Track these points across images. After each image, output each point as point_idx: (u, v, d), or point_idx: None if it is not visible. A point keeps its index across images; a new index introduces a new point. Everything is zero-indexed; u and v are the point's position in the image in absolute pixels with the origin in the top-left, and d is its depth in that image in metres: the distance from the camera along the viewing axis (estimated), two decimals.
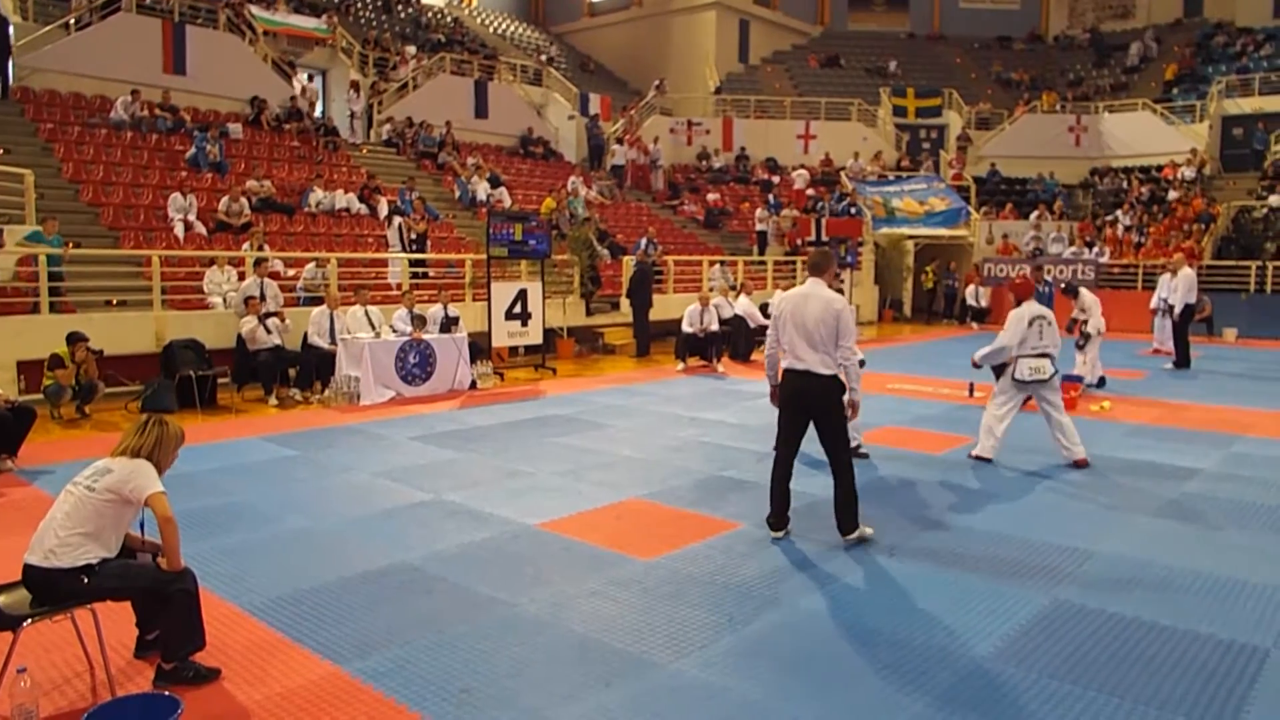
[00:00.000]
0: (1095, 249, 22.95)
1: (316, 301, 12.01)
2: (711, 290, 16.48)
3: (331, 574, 5.02)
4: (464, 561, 5.28)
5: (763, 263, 21.32)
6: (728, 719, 3.54)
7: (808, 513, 6.31)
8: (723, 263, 19.46)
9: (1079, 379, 11.27)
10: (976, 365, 8.09)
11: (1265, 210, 22.44)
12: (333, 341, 11.09)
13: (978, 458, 7.88)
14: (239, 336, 10.79)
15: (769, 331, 5.89)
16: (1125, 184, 26.27)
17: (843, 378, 5.59)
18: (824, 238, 21.59)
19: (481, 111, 23.16)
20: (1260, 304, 19.69)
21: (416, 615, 4.49)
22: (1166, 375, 13.49)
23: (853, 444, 7.56)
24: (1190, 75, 29.22)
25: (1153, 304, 15.52)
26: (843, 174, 26.27)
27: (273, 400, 10.55)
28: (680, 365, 13.80)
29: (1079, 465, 7.60)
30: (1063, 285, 13.04)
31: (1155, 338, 16.00)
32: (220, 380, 10.68)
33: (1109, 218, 24.58)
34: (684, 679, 3.86)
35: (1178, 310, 14.22)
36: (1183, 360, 14.14)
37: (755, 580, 5.02)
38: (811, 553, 5.50)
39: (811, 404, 5.58)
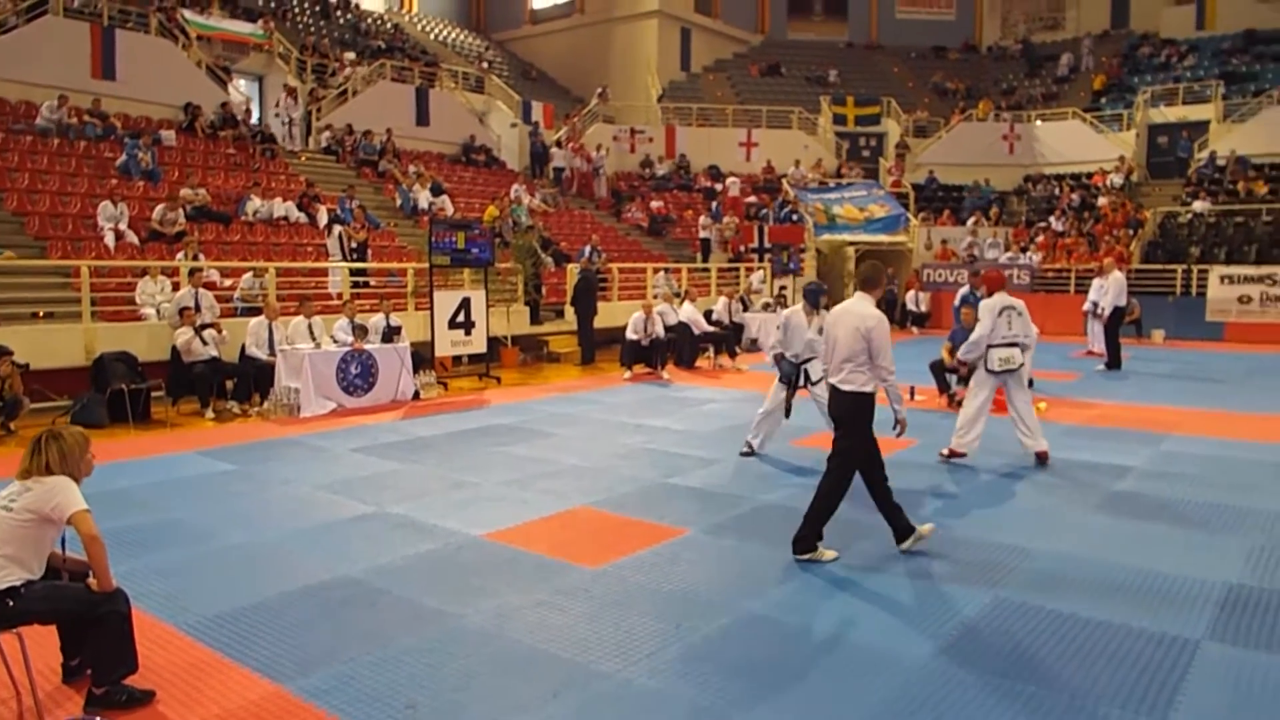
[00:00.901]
0: (1029, 254, 23.51)
1: (254, 312, 11.76)
2: (656, 297, 16.52)
3: (271, 590, 4.91)
4: (408, 574, 5.20)
5: (707, 270, 21.45)
6: None
7: (754, 517, 6.35)
8: (667, 270, 19.53)
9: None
10: (962, 363, 8.26)
11: (1190, 216, 23.21)
12: (272, 353, 10.87)
13: (952, 453, 8.01)
14: (174, 348, 10.52)
15: (823, 345, 5.87)
16: (1057, 190, 26.98)
17: (879, 394, 5.49)
18: (767, 244, 21.81)
19: (423, 119, 22.93)
20: (1186, 306, 20.36)
21: (360, 630, 4.42)
22: (1099, 376, 13.85)
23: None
24: (1118, 85, 30.13)
25: (1085, 307, 15.95)
26: (784, 181, 26.55)
27: (209, 413, 10.30)
28: (626, 373, 13.80)
29: (1040, 458, 7.75)
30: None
31: (1087, 340, 16.42)
32: (154, 394, 10.39)
33: (1042, 223, 25.21)
34: (632, 687, 3.85)
35: (1107, 313, 14.64)
36: (1114, 361, 14.54)
37: (702, 586, 5.03)
38: (758, 558, 5.53)
39: (838, 416, 5.59)
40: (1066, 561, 5.41)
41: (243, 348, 10.98)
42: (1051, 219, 25.20)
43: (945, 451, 8.12)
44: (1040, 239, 24.27)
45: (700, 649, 4.22)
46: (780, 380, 8.18)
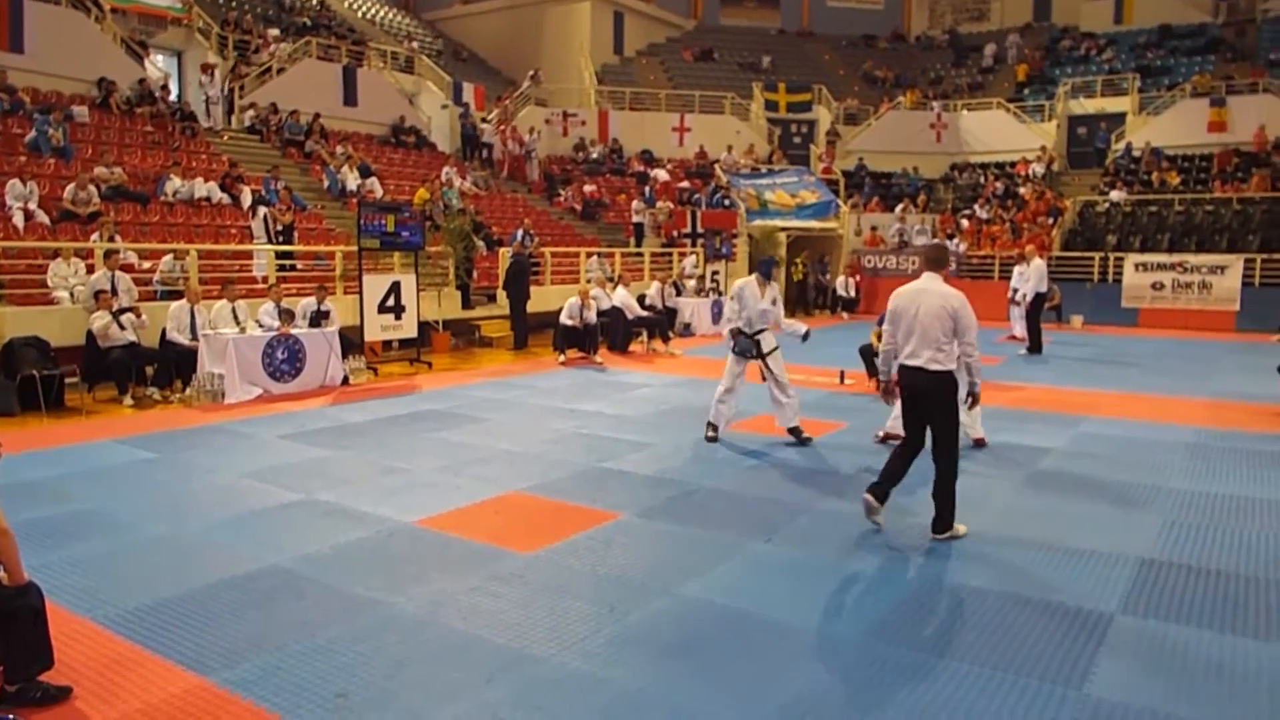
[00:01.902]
0: (955, 240, 24.03)
1: (175, 295, 11.40)
2: (589, 282, 16.48)
3: (195, 581, 4.79)
4: (338, 562, 5.12)
5: (640, 254, 21.45)
6: (610, 708, 3.56)
7: (688, 500, 6.39)
8: (600, 254, 19.49)
9: None
10: None
11: (1107, 205, 23.99)
12: (194, 337, 10.56)
13: (888, 436, 8.08)
14: (89, 333, 10.14)
15: (885, 326, 5.72)
16: (982, 179, 27.63)
17: (959, 373, 5.48)
18: (699, 229, 21.89)
19: (350, 99, 22.42)
20: (1103, 292, 21.07)
21: (288, 620, 4.33)
22: (1021, 361, 14.26)
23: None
24: (1039, 77, 30.92)
25: (1008, 293, 16.39)
26: (717, 166, 26.67)
27: (128, 400, 9.97)
28: (560, 357, 13.75)
29: (978, 444, 7.93)
30: None
31: (1010, 325, 16.86)
32: (69, 380, 10.01)
33: (967, 211, 25.80)
34: (566, 671, 3.85)
35: (1028, 299, 15.07)
36: (1035, 346, 14.98)
37: (637, 570, 5.05)
38: (693, 541, 5.57)
39: (922, 398, 5.51)
40: (989, 540, 5.57)
41: (163, 332, 10.65)
42: (976, 206, 25.80)
43: (881, 434, 8.27)
44: (965, 226, 24.83)
45: (634, 632, 4.24)
46: (735, 354, 8.21)
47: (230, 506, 6.17)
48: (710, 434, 8.34)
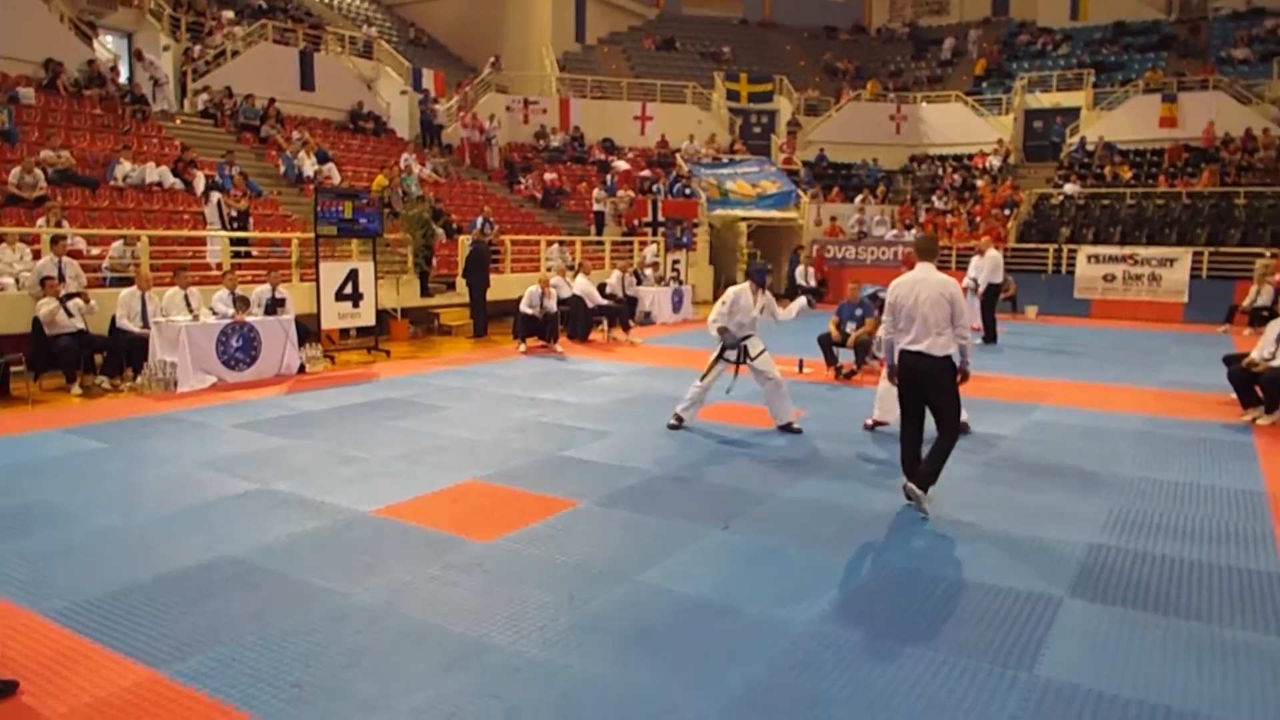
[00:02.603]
0: (914, 231, 24.28)
1: (125, 282, 11.17)
2: (549, 270, 16.42)
3: (146, 573, 4.71)
4: (294, 552, 5.07)
5: (600, 243, 21.41)
6: (568, 696, 3.56)
7: (648, 488, 6.41)
8: (560, 243, 19.42)
9: None
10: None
11: (1061, 198, 24.39)
12: (145, 325, 10.36)
13: (877, 424, 8.32)
14: (35, 320, 9.90)
15: (885, 315, 5.97)
16: (940, 170, 27.94)
17: (956, 356, 5.76)
18: (660, 218, 21.90)
19: (307, 83, 22.07)
20: (1057, 283, 21.43)
21: (242, 611, 4.28)
22: (976, 350, 14.42)
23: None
24: (997, 71, 31.29)
25: (964, 284, 16.59)
26: (678, 156, 26.68)
27: (76, 389, 9.76)
28: (520, 346, 13.69)
29: (963, 429, 8.02)
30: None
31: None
32: (14, 369, 9.77)
33: (925, 202, 26.08)
34: (524, 659, 3.85)
35: (983, 289, 15.30)
36: (990, 336, 15.21)
37: (596, 558, 5.06)
38: (651, 529, 5.59)
39: (927, 382, 5.77)
40: (944, 526, 5.65)
41: (113, 320, 10.43)
42: (934, 198, 26.10)
43: (870, 421, 8.42)
44: (924, 217, 25.10)
45: (593, 620, 4.25)
46: (722, 350, 8.28)
47: (183, 497, 6.07)
48: (674, 422, 8.38)
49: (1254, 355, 9.17)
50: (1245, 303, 17.59)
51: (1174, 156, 24.78)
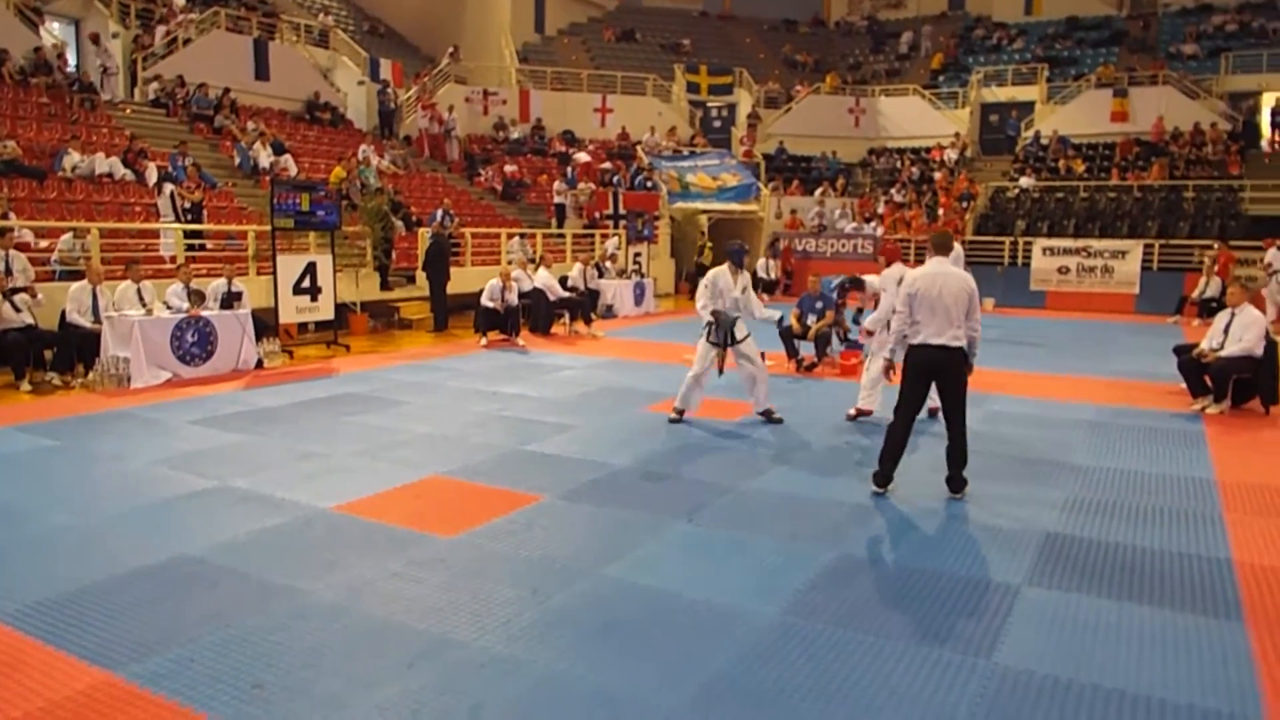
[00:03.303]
0: (873, 224, 24.52)
1: (75, 276, 10.92)
2: (510, 263, 16.33)
3: (101, 573, 4.62)
4: (253, 550, 5.00)
5: (561, 236, 21.34)
6: (533, 691, 3.56)
7: (611, 482, 6.41)
8: (521, 235, 19.32)
9: (861, 346, 12.06)
10: (870, 334, 8.69)
11: (1017, 191, 24.74)
12: (96, 320, 10.14)
13: (860, 413, 8.42)
14: None
15: (900, 308, 6.03)
16: (898, 164, 28.22)
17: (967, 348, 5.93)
18: (621, 211, 21.87)
19: (262, 73, 21.71)
20: (1013, 276, 21.76)
21: (201, 611, 4.21)
22: None
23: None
24: (954, 65, 31.67)
25: None
26: (639, 148, 26.65)
27: (25, 385, 9.53)
28: (481, 340, 13.62)
29: (933, 414, 8.15)
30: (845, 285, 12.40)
31: None
32: None
33: (884, 195, 26.33)
34: (489, 655, 3.83)
35: None
36: None
37: (559, 552, 5.05)
38: (615, 522, 5.59)
39: (942, 373, 5.89)
40: (903, 517, 5.73)
41: (63, 314, 10.19)
42: (893, 191, 26.35)
43: (853, 411, 8.53)
44: (882, 210, 25.33)
45: (557, 614, 4.24)
46: (710, 340, 8.25)
47: (138, 495, 5.97)
48: (675, 417, 8.36)
49: (1203, 346, 9.39)
50: (1194, 294, 18.05)
51: (1125, 150, 25.25)
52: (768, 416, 8.41)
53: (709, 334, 8.26)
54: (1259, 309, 10.12)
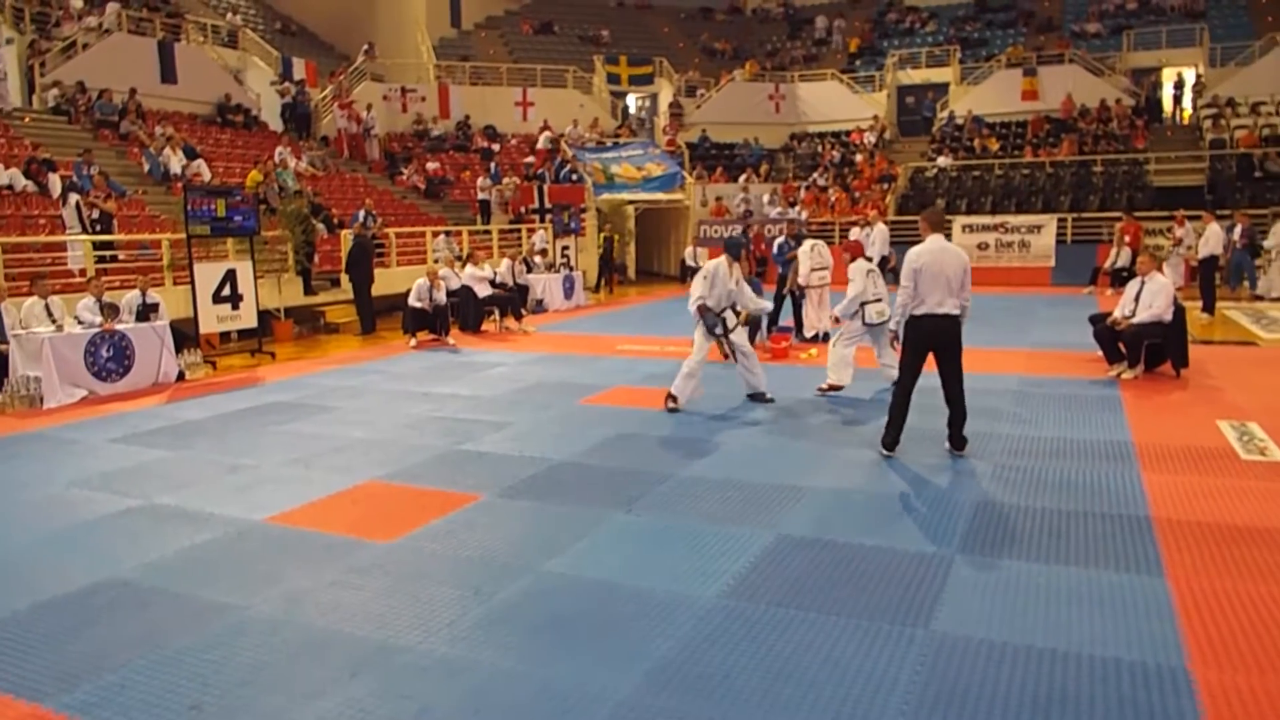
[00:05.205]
0: (797, 208, 24.81)
1: None
2: (437, 261, 16.13)
3: (21, 601, 4.44)
4: (184, 568, 4.86)
5: (488, 232, 21.16)
6: (480, 689, 3.53)
7: (548, 477, 6.39)
8: (447, 233, 19.10)
9: (789, 330, 12.26)
10: (838, 320, 9.28)
11: (935, 170, 25.29)
12: (3, 339, 9.73)
13: (832, 388, 8.93)
14: None
15: (905, 281, 6.38)
16: (820, 148, 28.60)
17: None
18: (547, 205, 21.76)
19: (169, 76, 21.03)
20: None
21: (131, 634, 4.09)
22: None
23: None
24: (869, 49, 32.17)
25: None
26: (562, 141, 26.54)
27: None
28: (411, 341, 13.43)
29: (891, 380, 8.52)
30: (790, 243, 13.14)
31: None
32: None
33: (806, 179, 26.67)
34: (433, 657, 3.80)
35: (875, 261, 15.73)
36: None
37: (500, 549, 5.02)
38: (555, 517, 5.57)
39: (946, 341, 6.39)
40: (837, 495, 5.83)
41: None
42: (815, 175, 26.70)
43: (826, 385, 8.97)
44: (804, 195, 25.66)
45: (500, 612, 4.22)
46: (707, 332, 8.44)
47: (57, 518, 5.75)
48: (671, 405, 8.43)
49: (1116, 314, 9.73)
50: (1107, 264, 18.68)
51: (1036, 128, 25.98)
52: (760, 399, 8.67)
53: (703, 324, 8.48)
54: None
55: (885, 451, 6.64)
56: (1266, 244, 16.92)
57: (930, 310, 6.35)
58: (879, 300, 9.05)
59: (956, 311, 6.37)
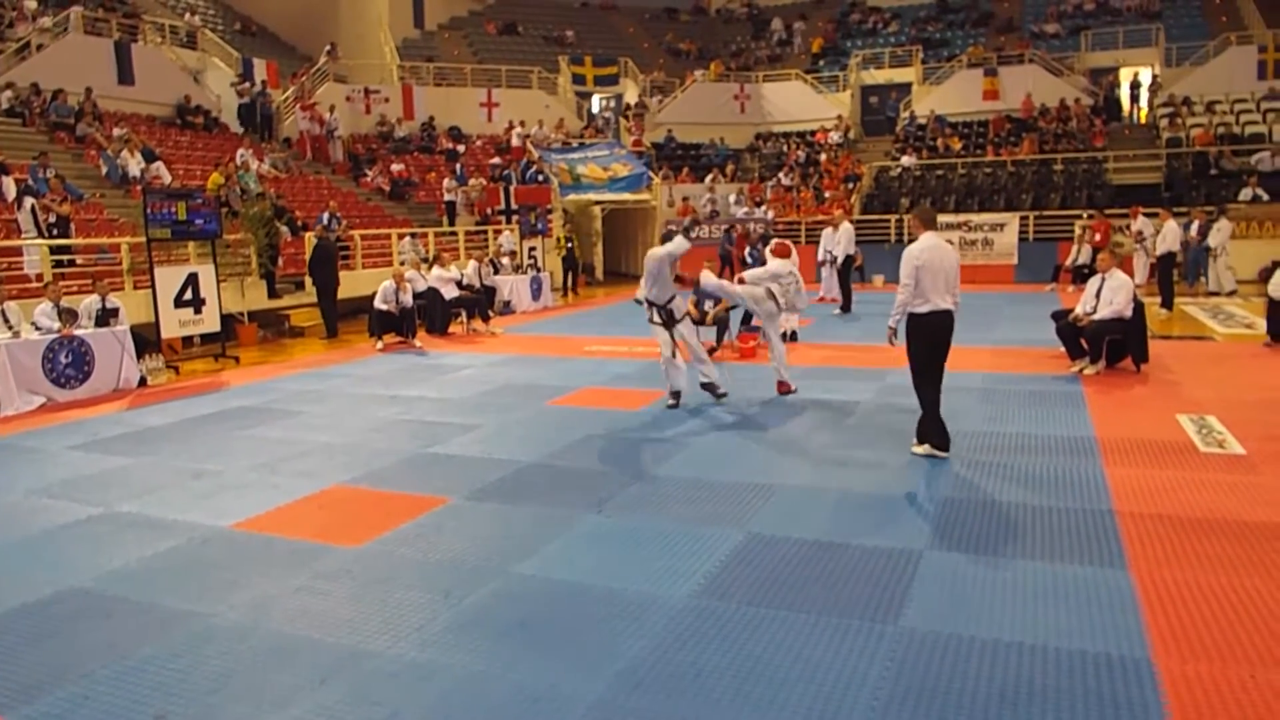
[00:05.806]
0: (764, 208, 24.91)
1: None
2: (403, 264, 16.01)
3: None
4: (147, 576, 4.79)
5: (454, 233, 21.03)
6: (450, 693, 3.51)
7: (517, 479, 6.37)
8: (413, 235, 18.96)
9: (757, 329, 12.29)
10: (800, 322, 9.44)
11: (899, 170, 25.52)
12: None
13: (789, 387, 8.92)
14: None
15: (906, 279, 6.44)
16: (785, 148, 28.75)
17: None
18: (513, 206, 21.68)
19: (126, 77, 20.68)
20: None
21: (94, 644, 4.01)
22: (834, 320, 15.00)
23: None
24: (833, 49, 32.37)
25: (820, 256, 17.19)
26: (528, 141, 26.44)
27: None
28: (378, 344, 13.31)
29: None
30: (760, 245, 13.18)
31: (822, 287, 17.64)
32: None
33: (772, 179, 26.80)
34: (403, 662, 3.77)
35: (840, 260, 15.90)
36: (847, 305, 15.82)
37: (469, 553, 4.99)
38: (524, 520, 5.55)
39: (946, 338, 6.47)
40: (806, 493, 5.86)
41: None
42: (781, 175, 26.83)
43: (793, 387, 8.91)
44: (770, 195, 25.78)
45: (471, 616, 4.20)
46: (651, 321, 8.53)
47: (16, 528, 5.64)
48: (672, 401, 8.49)
49: (1077, 311, 9.87)
50: (1068, 262, 18.96)
51: (998, 127, 26.29)
52: (711, 391, 8.69)
53: (650, 317, 8.55)
54: (1127, 274, 10.70)
55: (940, 453, 6.58)
56: (1211, 243, 17.25)
57: (935, 306, 6.43)
58: (774, 300, 8.80)
59: (952, 307, 6.47)
